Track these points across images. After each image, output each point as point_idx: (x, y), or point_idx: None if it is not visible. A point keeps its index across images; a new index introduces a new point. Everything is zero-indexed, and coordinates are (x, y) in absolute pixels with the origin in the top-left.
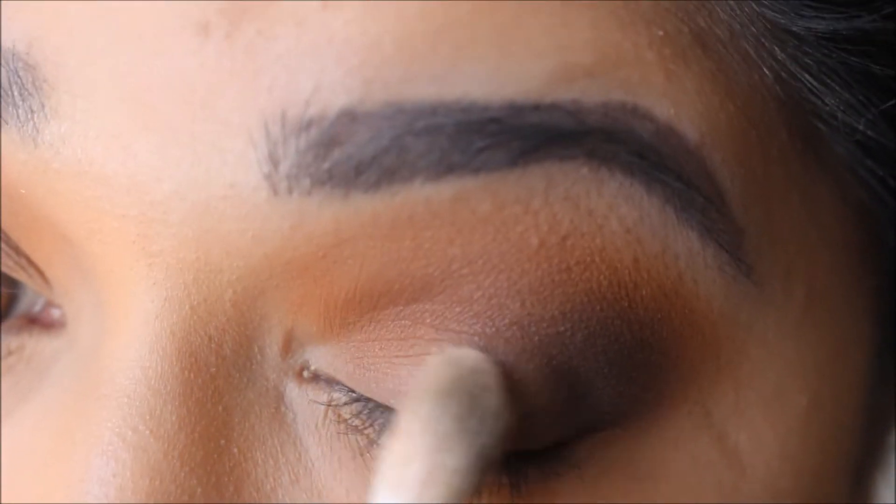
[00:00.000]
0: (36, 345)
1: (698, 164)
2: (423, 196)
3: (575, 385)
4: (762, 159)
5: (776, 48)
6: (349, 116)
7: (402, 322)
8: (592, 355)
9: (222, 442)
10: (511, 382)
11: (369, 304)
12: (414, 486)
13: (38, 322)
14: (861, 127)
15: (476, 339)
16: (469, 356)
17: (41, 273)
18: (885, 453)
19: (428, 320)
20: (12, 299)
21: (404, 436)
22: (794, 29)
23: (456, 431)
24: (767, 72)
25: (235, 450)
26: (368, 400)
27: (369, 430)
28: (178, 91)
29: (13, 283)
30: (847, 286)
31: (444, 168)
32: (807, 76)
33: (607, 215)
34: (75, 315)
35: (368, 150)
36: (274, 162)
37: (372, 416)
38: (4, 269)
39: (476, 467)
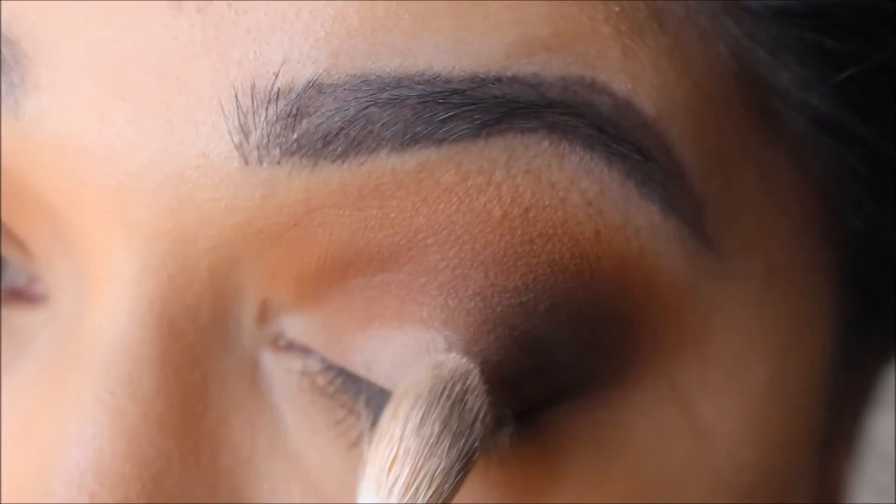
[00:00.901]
0: (19, 318)
1: (657, 137)
2: (388, 166)
3: (538, 353)
4: (719, 133)
5: (731, 24)
6: (316, 88)
7: (370, 292)
8: (556, 325)
9: (199, 408)
10: (472, 354)
11: (339, 274)
12: (399, 491)
13: (22, 296)
14: (814, 102)
15: (439, 311)
16: (452, 359)
17: (24, 246)
18: (856, 434)
19: (394, 291)
20: None
21: (389, 439)
22: (749, 4)
23: (441, 434)
24: (723, 47)
25: (213, 416)
26: (341, 370)
27: (343, 397)
28: (153, 63)
29: None
30: (806, 260)
31: (409, 139)
32: (761, 51)
33: (569, 188)
34: (57, 287)
35: (335, 121)
36: (245, 132)
37: (346, 383)
38: None
39: (461, 468)
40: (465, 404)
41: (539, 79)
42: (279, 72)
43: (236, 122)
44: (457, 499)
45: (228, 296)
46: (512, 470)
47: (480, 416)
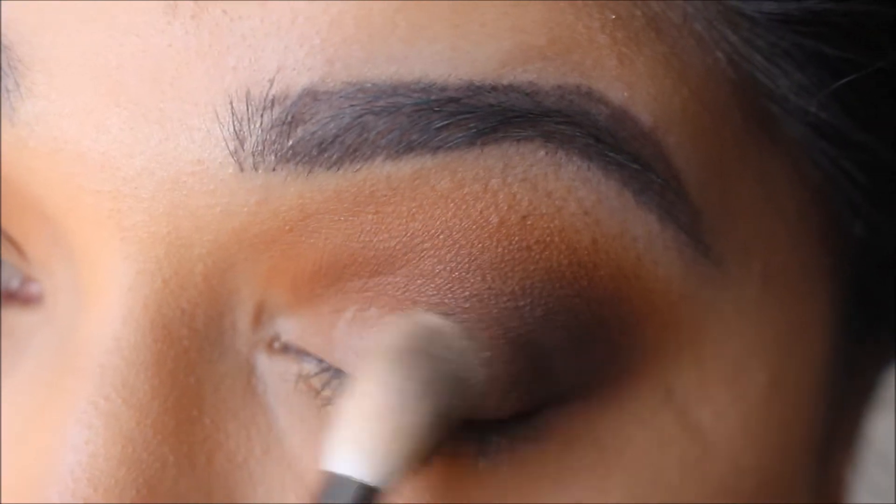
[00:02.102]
0: (14, 319)
1: (654, 146)
2: (384, 174)
3: (534, 357)
4: (716, 141)
5: (729, 31)
6: (311, 95)
7: (367, 294)
8: (551, 330)
9: (195, 412)
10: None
11: (335, 276)
12: (374, 445)
13: (16, 297)
14: (813, 109)
15: (434, 310)
16: (432, 319)
17: (19, 249)
18: (854, 437)
19: (390, 292)
20: None
21: (364, 395)
22: (746, 11)
23: (417, 391)
24: (720, 54)
25: (208, 421)
26: (338, 370)
27: (339, 401)
28: (148, 69)
29: None
30: (804, 265)
31: (404, 147)
32: (759, 58)
33: (566, 197)
34: (53, 289)
35: (330, 129)
36: (240, 139)
37: (342, 386)
38: None
39: (437, 427)
40: (444, 363)
41: (535, 87)
42: (274, 79)
43: (231, 129)
44: (453, 499)
45: (223, 300)
46: (509, 474)
47: (459, 376)
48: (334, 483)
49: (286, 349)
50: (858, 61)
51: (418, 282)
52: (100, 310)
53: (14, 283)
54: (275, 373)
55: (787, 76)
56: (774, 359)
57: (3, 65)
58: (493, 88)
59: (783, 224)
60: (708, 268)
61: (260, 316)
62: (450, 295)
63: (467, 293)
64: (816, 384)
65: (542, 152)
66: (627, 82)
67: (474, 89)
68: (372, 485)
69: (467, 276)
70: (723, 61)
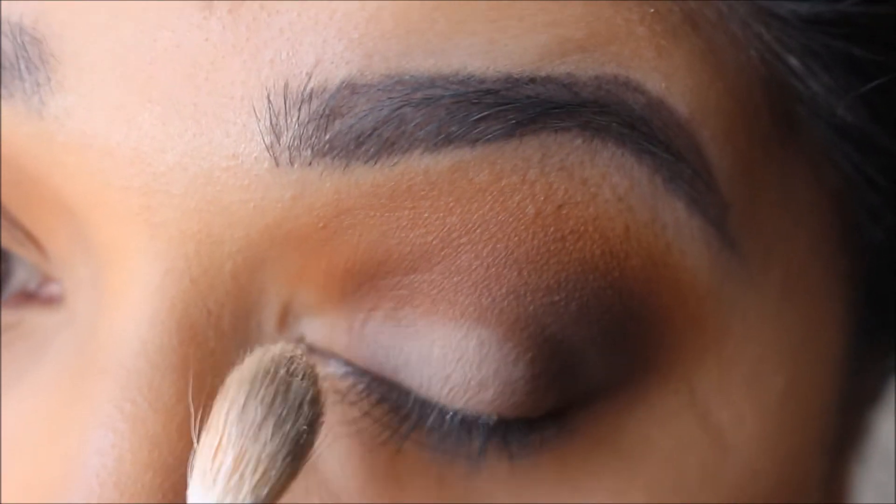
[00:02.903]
0: (34, 319)
1: (688, 137)
2: (421, 167)
3: (568, 354)
4: (747, 139)
5: (762, 30)
6: (350, 88)
7: (401, 292)
8: (586, 325)
9: None
10: (502, 353)
11: (368, 274)
12: (224, 477)
13: (36, 298)
14: (839, 111)
15: (472, 309)
16: (278, 346)
17: (39, 247)
18: (861, 437)
19: (426, 290)
20: (5, 274)
21: (213, 427)
22: (780, 11)
23: (264, 419)
24: (754, 53)
25: None
26: (364, 372)
27: (364, 403)
28: (182, 64)
29: (6, 258)
30: (822, 268)
31: (443, 139)
32: (791, 59)
33: (600, 184)
34: (74, 289)
35: (368, 122)
36: (276, 133)
37: (369, 388)
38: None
39: (289, 454)
40: (289, 387)
41: (573, 78)
42: (312, 72)
43: (268, 123)
44: (483, 500)
45: (251, 301)
46: (536, 477)
47: (307, 398)
48: None
49: (311, 350)
50: (887, 64)
51: (455, 279)
52: (125, 310)
53: (33, 284)
54: None
55: (816, 77)
56: (791, 361)
57: (34, 58)
58: (531, 80)
59: (803, 227)
60: (733, 263)
61: (286, 317)
62: (486, 292)
63: (504, 290)
64: (830, 386)
65: (578, 140)
66: (665, 73)
67: (512, 81)
68: None
69: (504, 270)
70: (755, 60)
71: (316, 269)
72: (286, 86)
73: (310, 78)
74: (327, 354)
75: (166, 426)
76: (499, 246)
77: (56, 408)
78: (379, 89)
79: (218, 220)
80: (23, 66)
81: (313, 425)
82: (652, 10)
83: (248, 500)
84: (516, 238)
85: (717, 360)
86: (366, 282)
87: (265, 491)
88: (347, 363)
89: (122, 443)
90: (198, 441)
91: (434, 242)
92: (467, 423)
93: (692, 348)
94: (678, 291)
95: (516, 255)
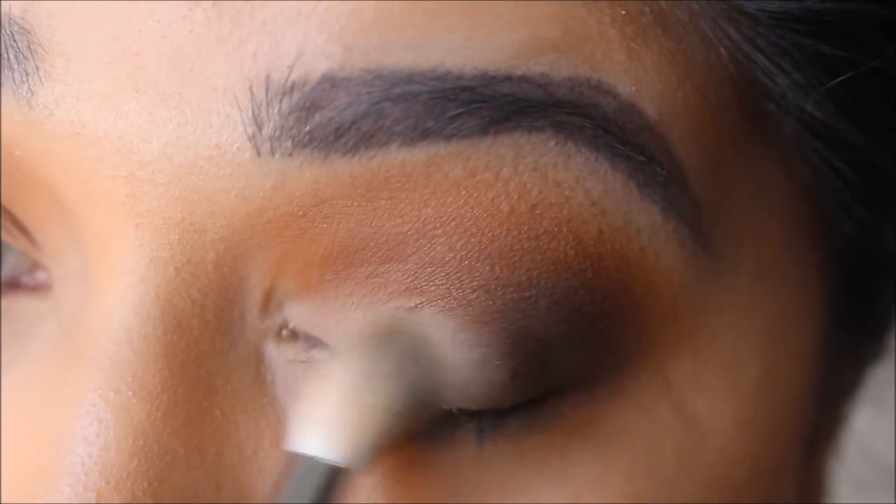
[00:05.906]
0: (21, 307)
1: (658, 139)
2: (398, 160)
3: (535, 348)
4: (716, 136)
5: (732, 29)
6: (330, 82)
7: (376, 280)
8: (554, 322)
9: (205, 405)
10: (464, 341)
11: (345, 262)
12: (342, 426)
13: (24, 286)
14: (808, 107)
15: (441, 301)
16: (403, 316)
17: (29, 234)
18: (837, 427)
19: (399, 279)
20: None
21: (336, 378)
22: (749, 9)
23: (389, 374)
24: (723, 51)
25: (218, 413)
26: None
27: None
28: (168, 55)
29: None
30: (795, 260)
31: (419, 134)
32: (759, 56)
33: (574, 188)
34: (62, 278)
35: (348, 115)
36: (258, 124)
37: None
38: None
39: (410, 412)
40: (419, 349)
41: (547, 79)
42: (294, 65)
43: (250, 114)
44: (459, 492)
45: (233, 289)
46: (510, 465)
47: (435, 362)
48: (301, 464)
49: (295, 336)
50: (854, 60)
51: (428, 269)
52: (110, 299)
53: (21, 271)
54: (283, 360)
55: (786, 74)
56: (767, 351)
57: (23, 48)
58: (507, 78)
59: (774, 219)
60: (707, 260)
61: (268, 304)
62: (457, 284)
63: (475, 283)
64: (806, 376)
65: (552, 142)
66: (635, 76)
67: (488, 79)
68: (340, 466)
69: (476, 264)
70: (725, 58)
71: (295, 257)
72: (268, 78)
73: (291, 70)
74: (311, 339)
75: (151, 415)
76: (472, 240)
77: (39, 396)
78: (358, 83)
79: (201, 208)
80: (11, 56)
81: (438, 387)
82: (623, 13)
83: (368, 453)
84: (490, 233)
85: (691, 351)
86: (343, 269)
87: (385, 446)
88: (329, 348)
89: (108, 432)
90: None
91: (409, 233)
92: (441, 412)
93: (666, 341)
94: (652, 290)
95: (489, 250)
